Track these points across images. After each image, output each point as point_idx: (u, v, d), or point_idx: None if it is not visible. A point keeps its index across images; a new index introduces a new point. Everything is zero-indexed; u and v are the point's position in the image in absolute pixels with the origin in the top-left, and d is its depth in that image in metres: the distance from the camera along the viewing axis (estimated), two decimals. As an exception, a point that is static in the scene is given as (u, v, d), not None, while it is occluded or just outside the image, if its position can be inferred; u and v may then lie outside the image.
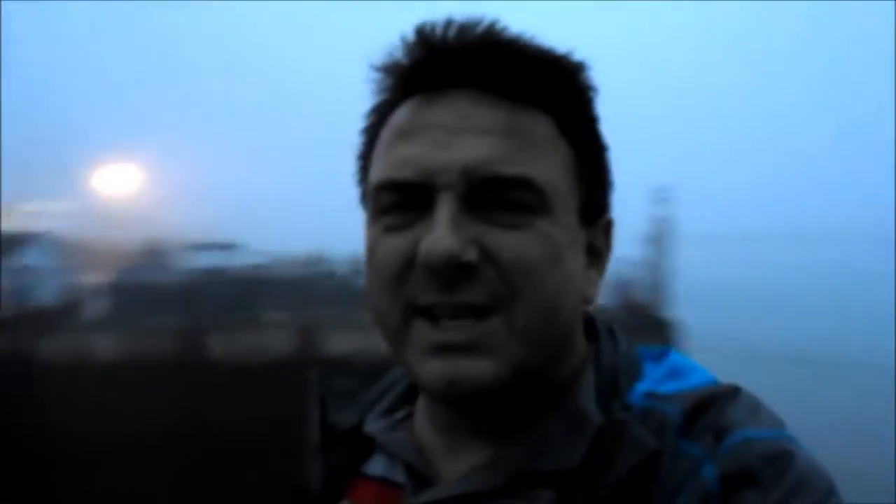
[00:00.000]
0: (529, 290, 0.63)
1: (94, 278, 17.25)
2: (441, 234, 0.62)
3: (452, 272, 0.62)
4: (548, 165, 0.66)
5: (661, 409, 0.64)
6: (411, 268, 0.64)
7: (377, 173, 0.68)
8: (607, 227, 0.74)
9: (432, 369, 0.64)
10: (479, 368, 0.63)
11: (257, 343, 11.71)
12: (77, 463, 10.21)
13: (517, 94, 0.66)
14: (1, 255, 14.95)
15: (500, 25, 0.68)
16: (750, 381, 0.68)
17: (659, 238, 13.74)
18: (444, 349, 0.63)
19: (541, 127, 0.67)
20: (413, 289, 0.65)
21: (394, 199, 0.66)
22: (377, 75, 0.71)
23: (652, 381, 0.68)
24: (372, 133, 0.72)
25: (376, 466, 0.76)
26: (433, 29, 0.68)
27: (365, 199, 0.72)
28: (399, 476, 0.73)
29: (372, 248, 0.69)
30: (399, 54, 0.69)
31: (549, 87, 0.67)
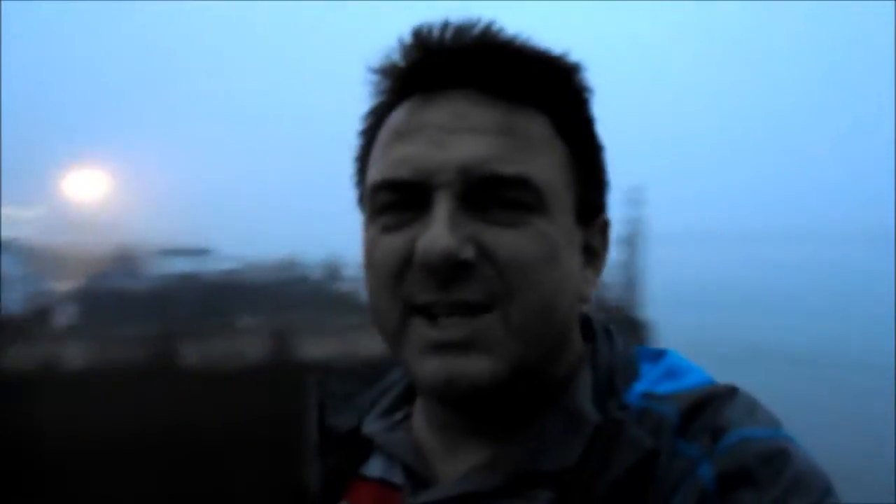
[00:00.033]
0: (526, 288, 0.64)
1: (63, 285, 17.00)
2: (439, 232, 0.62)
3: (450, 270, 0.62)
4: (544, 164, 0.66)
5: (658, 409, 0.65)
6: (409, 266, 0.65)
7: (375, 173, 0.69)
8: (604, 228, 0.74)
9: (430, 368, 0.64)
10: (476, 367, 0.63)
11: (231, 349, 11.62)
12: (47, 472, 10.05)
13: (513, 94, 0.67)
14: (-33, 263, 14.68)
15: (496, 27, 0.68)
16: (750, 382, 0.69)
17: (631, 239, 13.86)
18: (441, 347, 0.63)
19: (537, 127, 0.67)
20: (411, 287, 0.65)
21: (391, 199, 0.67)
22: (374, 77, 0.72)
23: (649, 381, 0.69)
24: (369, 135, 0.72)
25: (374, 468, 0.76)
26: (430, 31, 0.68)
27: (362, 200, 0.73)
28: (397, 477, 0.73)
29: (370, 248, 0.69)
30: (396, 56, 0.70)
31: (545, 88, 0.68)
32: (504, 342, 0.64)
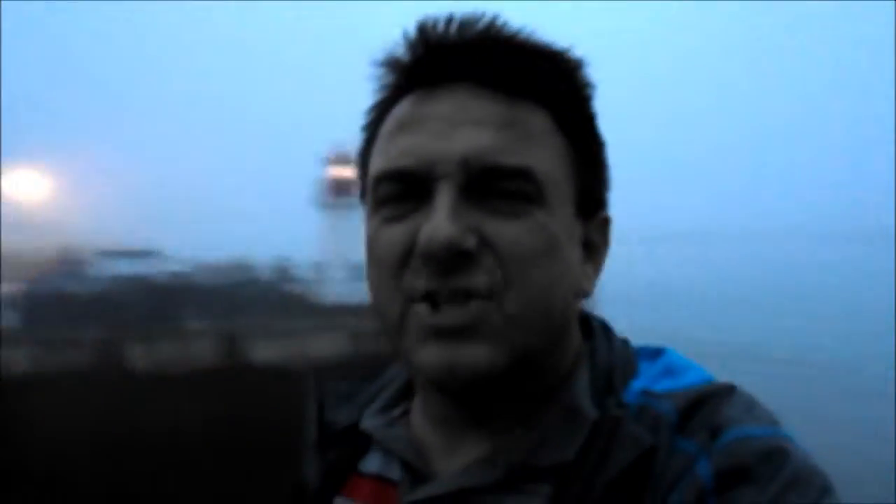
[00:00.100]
0: (525, 278, 0.64)
1: (5, 288, 16.49)
2: (441, 222, 0.63)
3: (452, 260, 0.63)
4: (545, 157, 0.67)
5: (656, 406, 0.65)
6: (411, 257, 0.65)
7: (377, 165, 0.69)
8: (604, 224, 0.75)
9: (430, 355, 0.64)
10: (475, 354, 0.64)
11: (180, 353, 11.42)
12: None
13: (515, 88, 0.68)
14: None
15: (500, 21, 0.69)
16: (749, 383, 0.69)
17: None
18: (440, 333, 0.64)
19: (538, 121, 0.68)
20: (412, 277, 0.65)
21: (393, 190, 0.67)
22: (378, 71, 0.73)
23: (647, 378, 0.69)
24: (372, 129, 0.73)
25: (372, 463, 0.76)
26: (434, 25, 0.69)
27: (364, 194, 0.73)
28: (395, 473, 0.74)
29: (372, 240, 0.69)
30: (400, 51, 0.71)
31: (547, 83, 0.69)
32: (503, 331, 0.64)
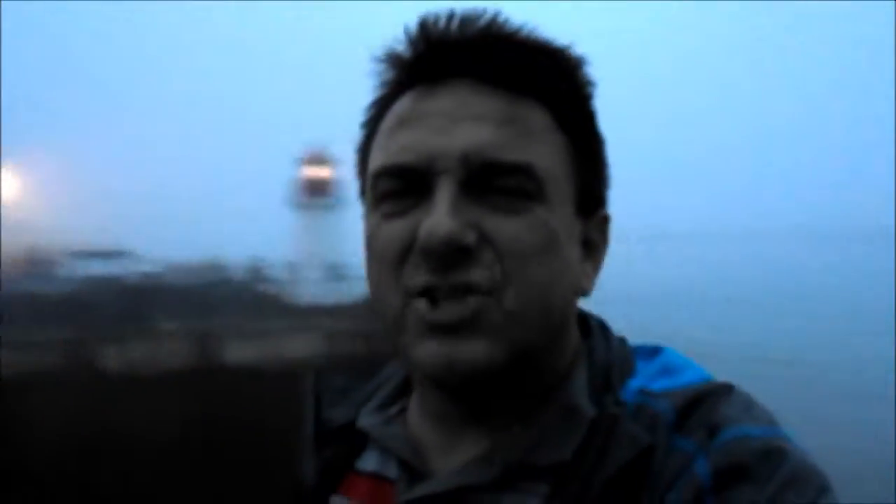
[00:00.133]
0: (524, 275, 0.64)
1: (-29, 289, 16.20)
2: (441, 217, 0.62)
3: (451, 255, 0.63)
4: (545, 154, 0.67)
5: (654, 405, 0.65)
6: (411, 253, 0.65)
7: (377, 160, 0.69)
8: (603, 222, 0.75)
9: (429, 351, 0.64)
10: (473, 350, 0.63)
11: (152, 354, 11.30)
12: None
13: (516, 85, 0.68)
14: None
15: (501, 18, 0.69)
16: (749, 383, 0.69)
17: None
18: (439, 329, 0.64)
19: (538, 118, 0.68)
20: (412, 273, 0.65)
21: (393, 186, 0.67)
22: (379, 67, 0.72)
23: (645, 377, 0.69)
24: (372, 126, 0.73)
25: (369, 461, 0.76)
26: (436, 21, 0.69)
27: (363, 191, 0.73)
28: (392, 471, 0.73)
29: (371, 236, 0.69)
30: (401, 47, 0.71)
31: (547, 80, 0.69)
32: (502, 327, 0.64)
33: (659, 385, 0.68)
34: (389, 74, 0.72)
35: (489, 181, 0.65)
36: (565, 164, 0.69)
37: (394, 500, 0.71)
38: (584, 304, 0.75)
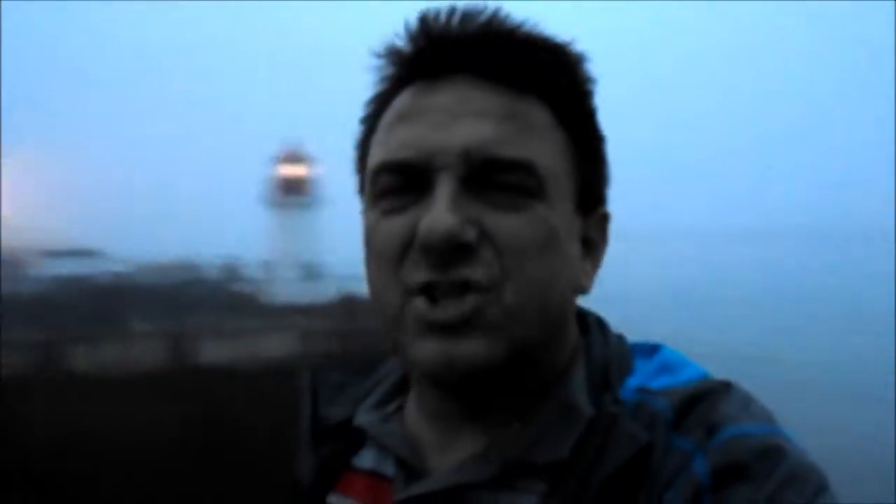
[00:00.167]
0: (523, 272, 0.64)
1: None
2: (441, 213, 0.62)
3: (451, 251, 0.62)
4: (546, 151, 0.67)
5: (653, 403, 0.65)
6: (410, 249, 0.65)
7: (377, 156, 0.68)
8: (603, 220, 0.74)
9: (428, 350, 0.64)
10: (473, 348, 0.63)
11: (125, 355, 11.18)
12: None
13: (517, 81, 0.67)
14: None
15: (502, 14, 0.69)
16: (750, 384, 0.69)
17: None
18: (438, 328, 0.63)
19: (539, 114, 0.68)
20: (411, 270, 0.65)
21: (392, 182, 0.67)
22: (378, 62, 0.72)
23: (643, 375, 0.68)
24: (371, 121, 0.72)
25: (366, 459, 0.75)
26: (436, 17, 0.69)
27: (362, 187, 0.72)
28: (389, 468, 0.73)
29: (370, 233, 0.68)
30: (401, 42, 0.70)
31: (548, 76, 0.69)
32: (501, 324, 0.64)
33: (657, 383, 0.67)
34: (389, 70, 0.72)
35: (489, 177, 0.65)
36: (566, 161, 0.69)
37: (391, 498, 0.70)
38: (583, 303, 0.75)
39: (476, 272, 0.63)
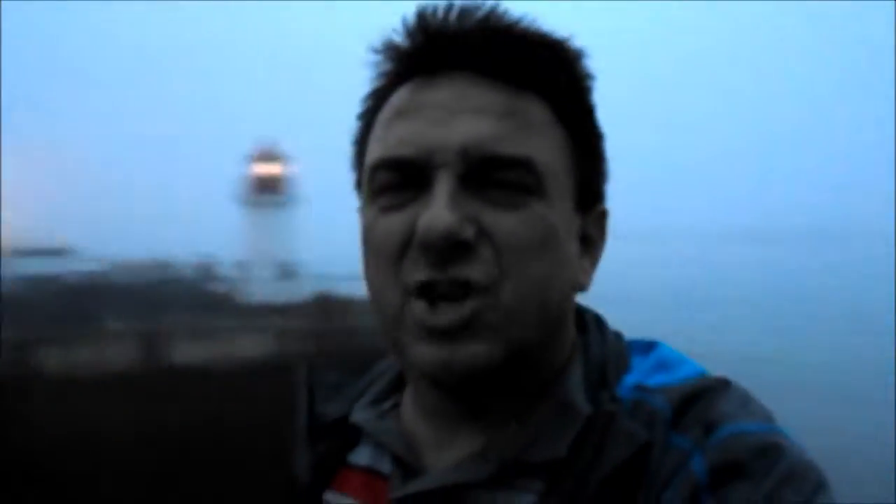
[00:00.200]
0: (522, 270, 0.64)
1: None
2: (440, 211, 0.62)
3: (450, 249, 0.62)
4: (545, 148, 0.66)
5: (651, 401, 0.64)
6: (409, 247, 0.64)
7: (374, 153, 0.68)
8: (602, 217, 0.74)
9: (427, 352, 0.63)
10: (472, 350, 0.63)
11: (97, 355, 11.04)
12: None
13: (515, 77, 0.67)
14: None
15: (500, 10, 0.69)
16: (749, 384, 0.68)
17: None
18: (438, 333, 0.63)
19: (537, 111, 0.67)
20: (410, 268, 0.64)
21: (390, 179, 0.66)
22: (376, 58, 0.71)
23: (640, 373, 0.68)
24: (368, 118, 0.72)
25: (362, 456, 0.75)
26: (434, 13, 0.68)
27: (360, 184, 0.72)
28: (385, 466, 0.72)
29: (369, 230, 0.68)
30: (399, 38, 0.70)
31: (547, 73, 0.68)
32: (500, 325, 0.63)
33: (655, 381, 0.67)
34: (387, 66, 0.71)
35: (488, 175, 0.65)
36: (565, 158, 0.69)
37: (387, 495, 0.70)
38: (583, 302, 0.75)
39: (475, 271, 0.63)
